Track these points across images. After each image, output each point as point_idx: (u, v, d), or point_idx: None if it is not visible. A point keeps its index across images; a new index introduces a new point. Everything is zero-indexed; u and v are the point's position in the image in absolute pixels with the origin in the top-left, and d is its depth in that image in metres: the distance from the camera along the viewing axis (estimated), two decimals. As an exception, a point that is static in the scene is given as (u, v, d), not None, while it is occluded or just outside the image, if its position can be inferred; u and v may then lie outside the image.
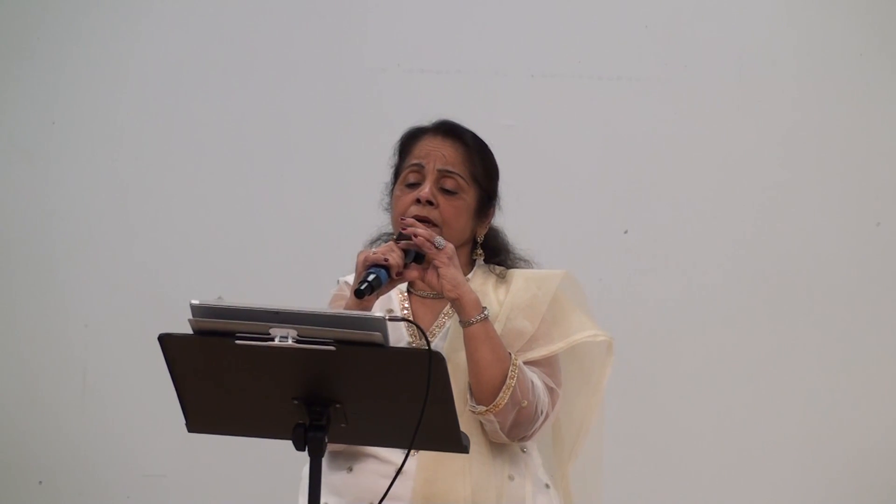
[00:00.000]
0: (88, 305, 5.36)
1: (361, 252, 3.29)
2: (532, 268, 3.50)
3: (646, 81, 5.19)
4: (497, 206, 3.49)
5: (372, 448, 3.31)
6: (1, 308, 5.40)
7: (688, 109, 5.19)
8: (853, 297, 5.12)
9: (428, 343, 2.81)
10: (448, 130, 3.46)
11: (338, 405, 2.81)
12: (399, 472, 2.98)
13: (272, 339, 2.73)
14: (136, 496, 5.34)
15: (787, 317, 5.13)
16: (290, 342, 2.72)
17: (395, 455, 3.27)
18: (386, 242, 3.47)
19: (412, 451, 3.18)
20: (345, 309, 3.20)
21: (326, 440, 2.82)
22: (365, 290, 3.16)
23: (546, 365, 3.37)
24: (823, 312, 5.12)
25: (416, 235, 3.26)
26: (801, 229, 5.14)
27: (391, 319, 2.79)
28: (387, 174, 5.23)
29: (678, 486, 5.12)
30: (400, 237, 3.30)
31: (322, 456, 2.83)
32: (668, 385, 5.15)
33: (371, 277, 3.18)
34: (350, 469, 3.32)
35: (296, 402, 2.81)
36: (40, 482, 5.39)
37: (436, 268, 3.26)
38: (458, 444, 2.90)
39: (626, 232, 5.19)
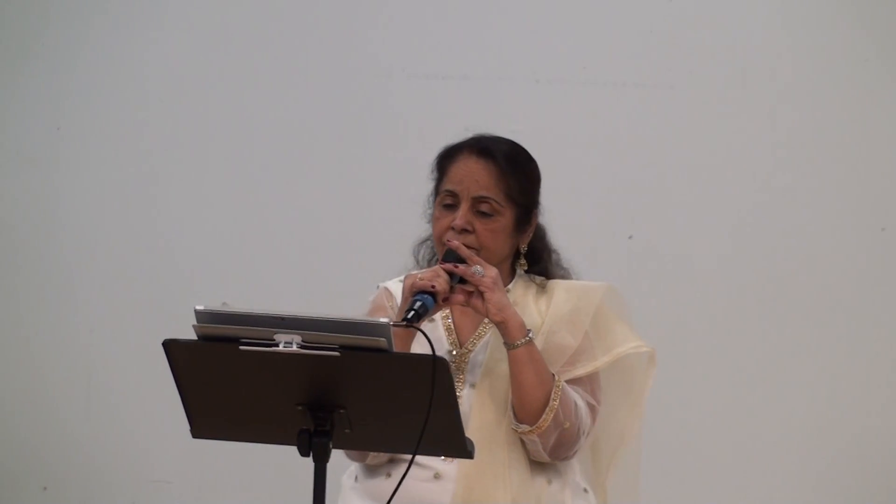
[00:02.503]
0: (94, 311, 5.37)
1: (408, 276, 3.30)
2: (570, 277, 3.50)
3: (650, 87, 5.19)
4: (539, 213, 3.48)
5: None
6: (7, 313, 5.41)
7: (692, 115, 5.19)
8: (858, 301, 5.11)
9: (433, 348, 2.80)
10: (482, 150, 3.42)
11: (342, 411, 2.81)
12: (404, 477, 3.00)
13: (277, 345, 2.73)
14: (142, 502, 5.34)
15: (792, 321, 5.12)
16: (294, 348, 2.72)
17: (434, 461, 3.29)
18: (428, 246, 3.51)
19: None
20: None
21: (331, 446, 2.82)
22: (412, 319, 3.17)
23: (588, 382, 3.39)
24: (828, 317, 5.12)
25: (457, 266, 3.27)
26: (806, 234, 5.14)
27: (395, 325, 2.79)
28: (391, 180, 5.27)
29: (682, 487, 5.11)
30: (445, 258, 3.31)
31: (327, 461, 2.83)
32: (672, 390, 5.13)
33: (417, 305, 3.19)
34: (388, 475, 3.34)
35: (300, 407, 2.81)
36: (45, 488, 5.39)
37: (481, 292, 3.27)
38: (462, 449, 2.90)
39: (630, 237, 5.19)
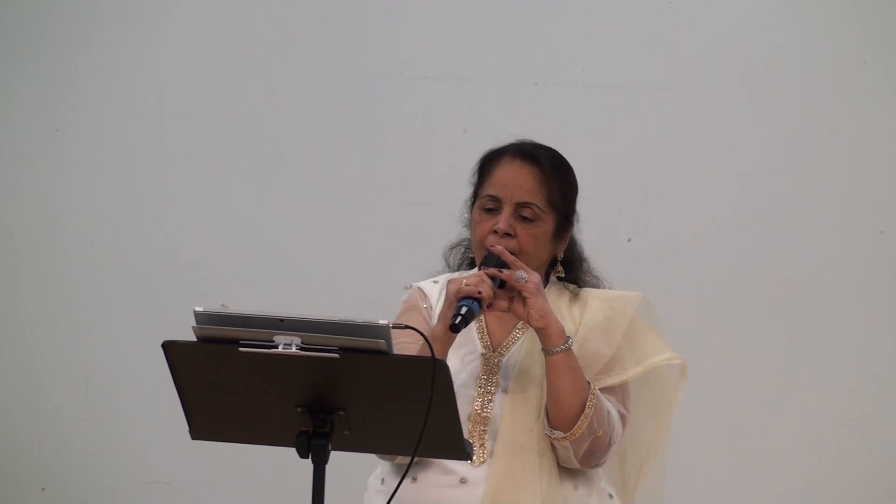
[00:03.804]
0: (92, 312, 5.37)
1: (452, 281, 3.28)
2: (602, 286, 3.51)
3: (649, 90, 5.19)
4: (575, 221, 3.48)
5: (437, 458, 3.30)
6: (5, 314, 5.41)
7: (691, 118, 5.19)
8: (857, 304, 5.11)
9: (432, 351, 2.81)
10: (526, 155, 3.41)
11: (341, 412, 2.81)
12: (403, 478, 3.02)
13: (276, 347, 2.73)
14: (140, 503, 5.34)
15: (792, 324, 5.12)
16: (293, 349, 2.73)
17: (460, 466, 3.29)
18: (460, 250, 3.51)
19: (483, 460, 3.27)
20: (432, 338, 3.17)
21: (330, 447, 2.82)
22: (459, 325, 3.18)
23: (618, 391, 3.39)
24: (828, 320, 5.12)
25: (501, 271, 3.27)
26: (805, 237, 5.14)
27: (395, 327, 2.79)
28: (390, 181, 5.27)
29: (683, 490, 5.11)
30: (486, 262, 3.31)
31: (325, 463, 2.83)
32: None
33: (464, 311, 3.20)
34: (414, 479, 3.32)
35: (299, 409, 2.81)
36: (43, 489, 5.39)
37: (523, 298, 3.27)
38: (461, 451, 2.90)
39: (629, 240, 5.19)
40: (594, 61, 5.23)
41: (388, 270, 5.03)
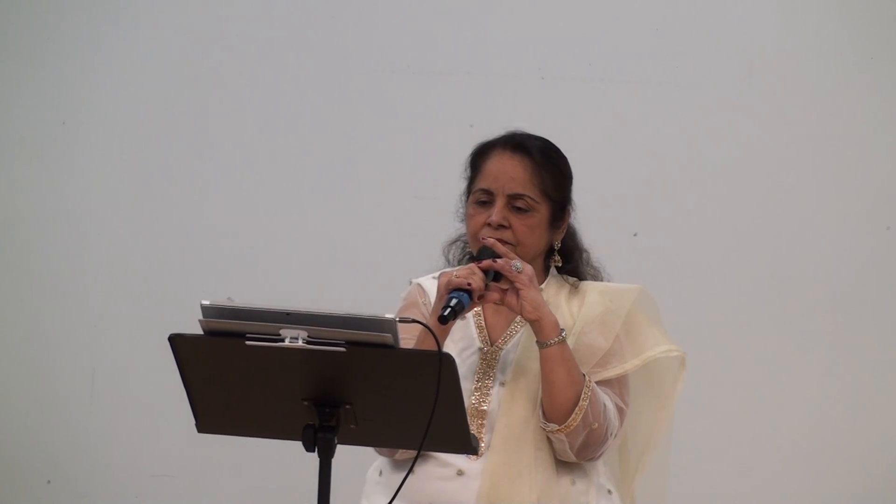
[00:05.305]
0: (97, 305, 5.37)
1: (443, 274, 3.30)
2: (601, 278, 3.51)
3: (655, 84, 5.19)
4: (571, 210, 3.48)
5: (443, 452, 3.31)
6: (10, 307, 5.41)
7: (697, 113, 5.19)
8: (863, 301, 5.11)
9: (439, 346, 2.81)
10: (516, 146, 3.42)
11: (348, 406, 2.81)
12: (407, 476, 3.02)
13: (282, 340, 2.73)
14: (145, 496, 5.35)
15: (797, 320, 5.12)
16: (300, 343, 2.73)
17: (456, 458, 3.30)
18: (459, 246, 3.50)
19: (479, 454, 3.28)
20: (424, 332, 3.20)
21: (336, 441, 2.83)
22: (448, 316, 3.18)
23: (616, 384, 3.39)
24: (833, 316, 5.12)
25: (495, 261, 3.27)
26: (810, 233, 5.14)
27: (402, 321, 2.79)
28: (395, 176, 5.28)
29: (684, 486, 5.11)
30: (479, 255, 3.31)
31: (331, 457, 2.83)
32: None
33: (454, 303, 3.20)
34: (414, 471, 3.31)
35: (306, 402, 2.82)
36: (49, 481, 5.40)
37: (516, 290, 3.27)
38: (467, 445, 2.91)
39: (635, 234, 5.19)
40: (600, 56, 5.22)
41: (394, 264, 5.01)
